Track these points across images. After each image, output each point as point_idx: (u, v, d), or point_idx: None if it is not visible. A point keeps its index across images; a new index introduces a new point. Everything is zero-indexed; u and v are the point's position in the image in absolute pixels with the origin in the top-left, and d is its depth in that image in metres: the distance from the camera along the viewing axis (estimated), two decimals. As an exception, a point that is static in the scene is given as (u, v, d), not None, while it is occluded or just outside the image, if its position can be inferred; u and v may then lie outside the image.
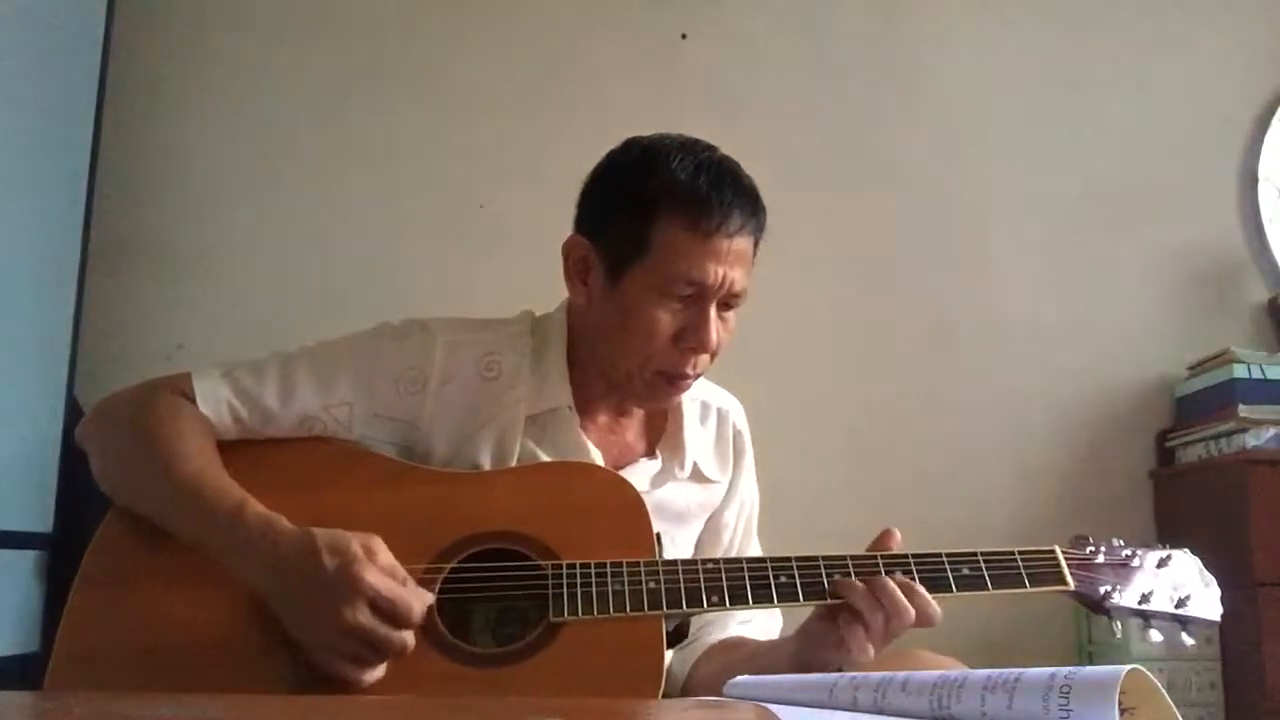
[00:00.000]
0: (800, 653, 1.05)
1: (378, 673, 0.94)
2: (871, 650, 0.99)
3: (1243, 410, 2.01)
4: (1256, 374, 2.05)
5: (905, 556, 1.04)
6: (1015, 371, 2.25)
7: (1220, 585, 1.11)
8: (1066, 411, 2.24)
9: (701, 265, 1.07)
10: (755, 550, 1.33)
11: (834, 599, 1.01)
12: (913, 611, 0.99)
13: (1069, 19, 2.39)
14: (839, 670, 0.95)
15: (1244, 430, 2.00)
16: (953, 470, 2.19)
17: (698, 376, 1.15)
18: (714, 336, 1.10)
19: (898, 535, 1.07)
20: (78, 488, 1.79)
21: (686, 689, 1.16)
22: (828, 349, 2.23)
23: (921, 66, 2.36)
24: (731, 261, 1.08)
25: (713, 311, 1.10)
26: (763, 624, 1.25)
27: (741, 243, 1.09)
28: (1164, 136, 2.35)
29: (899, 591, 0.99)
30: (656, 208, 1.08)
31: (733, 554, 1.29)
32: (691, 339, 1.10)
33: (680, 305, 1.09)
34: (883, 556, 1.04)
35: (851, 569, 1.03)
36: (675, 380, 1.13)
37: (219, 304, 2.17)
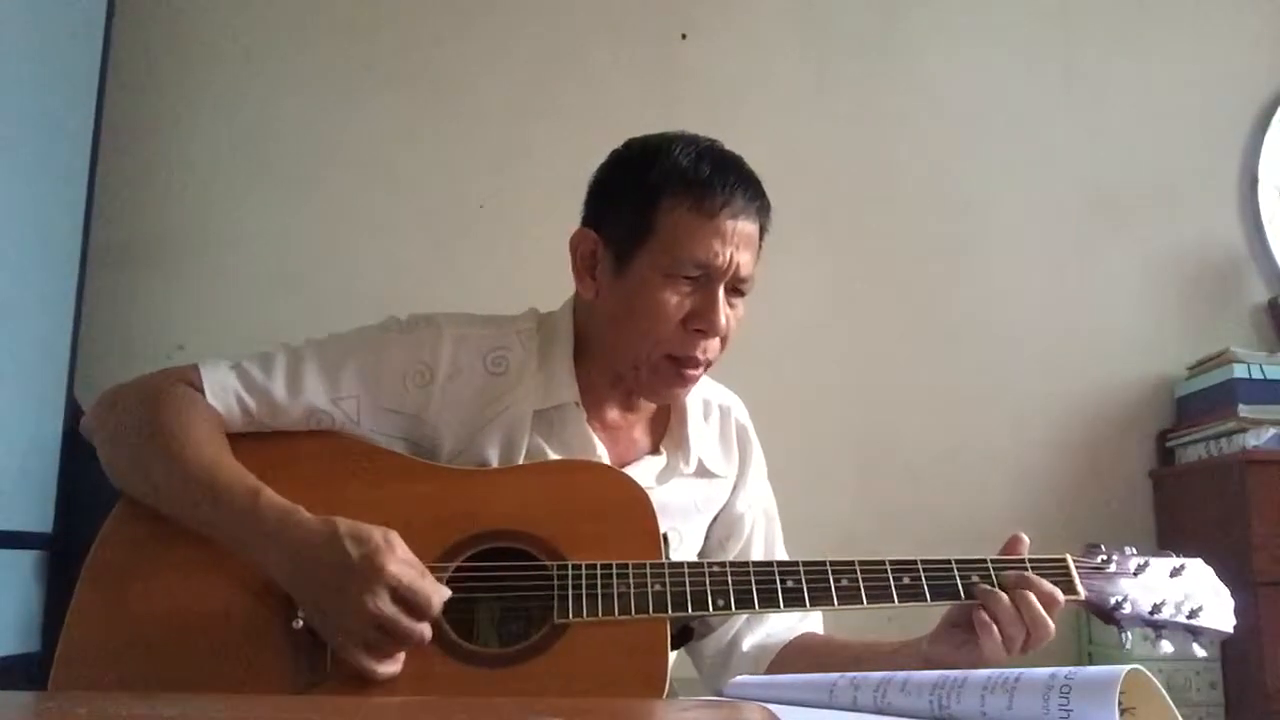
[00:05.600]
0: (933, 657, 1.04)
1: (394, 664, 0.95)
2: (1004, 655, 0.99)
3: (1243, 410, 2.01)
4: (1256, 374, 2.05)
5: (913, 562, 1.03)
6: (1015, 371, 2.25)
7: (1221, 587, 1.10)
8: (1066, 411, 2.24)
9: (707, 245, 1.07)
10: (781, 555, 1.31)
11: (969, 600, 1.01)
12: (1052, 626, 0.99)
13: (1069, 19, 2.39)
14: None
15: (1244, 430, 2.00)
16: (952, 470, 2.19)
17: (708, 366, 1.15)
18: (723, 319, 1.10)
19: (1025, 539, 1.06)
20: (78, 488, 1.79)
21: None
22: (827, 349, 2.23)
23: (922, 66, 2.36)
24: (738, 243, 1.09)
25: (721, 295, 1.10)
26: (817, 619, 1.24)
27: (746, 225, 1.10)
28: (1164, 136, 2.35)
29: (1040, 605, 0.99)
30: (661, 191, 1.09)
31: (757, 546, 1.28)
32: (700, 321, 1.09)
33: (689, 287, 1.09)
34: (891, 562, 1.03)
35: (859, 573, 1.02)
36: (684, 366, 1.12)
37: (219, 304, 2.17)
